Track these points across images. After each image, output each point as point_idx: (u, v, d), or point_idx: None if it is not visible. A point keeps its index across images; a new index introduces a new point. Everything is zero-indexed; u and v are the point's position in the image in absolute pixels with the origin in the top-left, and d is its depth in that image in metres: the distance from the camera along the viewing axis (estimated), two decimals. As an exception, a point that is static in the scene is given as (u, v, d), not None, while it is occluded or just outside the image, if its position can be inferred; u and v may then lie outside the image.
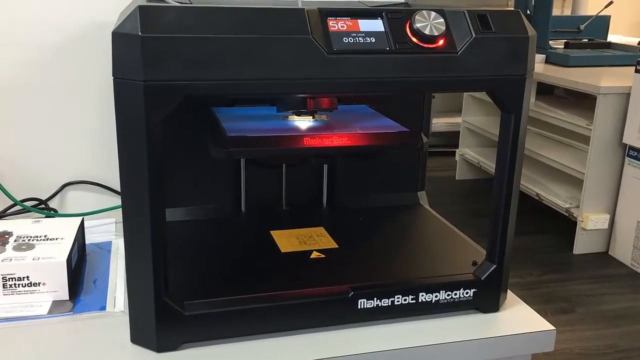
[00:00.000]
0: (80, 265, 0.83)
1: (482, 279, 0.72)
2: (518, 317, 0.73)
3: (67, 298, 0.74)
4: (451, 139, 3.70)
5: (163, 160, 0.61)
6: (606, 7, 3.28)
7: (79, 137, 1.00)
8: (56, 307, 0.73)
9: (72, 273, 0.76)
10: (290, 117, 0.77)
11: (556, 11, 4.03)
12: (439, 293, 0.71)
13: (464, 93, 3.37)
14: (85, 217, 0.92)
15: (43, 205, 0.98)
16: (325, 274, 0.74)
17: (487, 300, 0.73)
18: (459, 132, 3.49)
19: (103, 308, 0.74)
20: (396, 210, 0.93)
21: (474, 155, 3.38)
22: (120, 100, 0.59)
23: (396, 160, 0.95)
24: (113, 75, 0.58)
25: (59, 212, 0.99)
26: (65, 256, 0.74)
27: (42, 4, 0.93)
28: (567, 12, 4.28)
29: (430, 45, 0.63)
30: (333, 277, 0.72)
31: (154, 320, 0.64)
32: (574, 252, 2.58)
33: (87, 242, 0.89)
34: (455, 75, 0.65)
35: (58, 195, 1.00)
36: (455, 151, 3.53)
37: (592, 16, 3.33)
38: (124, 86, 0.58)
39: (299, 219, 0.89)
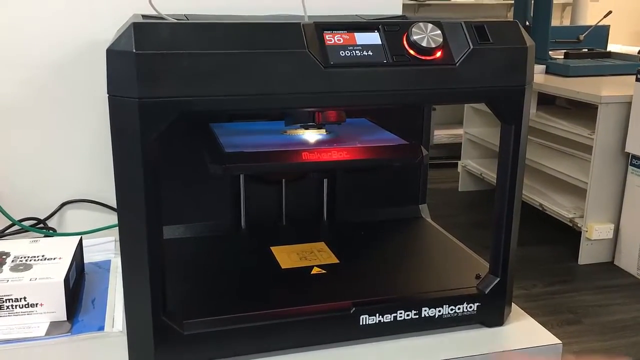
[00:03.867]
0: (79, 285, 0.82)
1: (486, 292, 0.71)
2: (523, 331, 0.72)
3: (65, 319, 0.73)
4: (453, 150, 3.69)
5: (160, 177, 0.60)
6: (605, 16, 3.29)
7: (78, 156, 0.99)
8: (54, 328, 0.72)
9: (70, 293, 0.75)
10: (288, 131, 0.77)
11: (555, 22, 4.04)
12: (442, 308, 0.69)
13: (465, 105, 3.37)
14: (84, 236, 0.91)
15: (42, 225, 0.98)
16: (326, 289, 0.73)
17: (492, 314, 0.71)
18: (461, 143, 3.48)
19: (101, 328, 0.72)
20: (398, 224, 0.92)
21: (476, 167, 3.37)
22: (115, 118, 0.58)
23: (397, 174, 0.94)
24: (108, 92, 0.58)
25: (58, 232, 0.98)
26: (63, 276, 0.73)
27: (40, 24, 0.93)
28: (566, 22, 4.29)
29: (428, 58, 0.63)
30: (334, 293, 0.71)
31: (152, 340, 0.63)
32: (578, 263, 2.56)
33: (86, 261, 0.89)
34: (454, 87, 0.64)
35: (57, 215, 1.00)
36: (457, 163, 3.52)
37: (591, 26, 3.34)
38: (119, 103, 0.57)
39: (300, 234, 0.88)
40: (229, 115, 0.84)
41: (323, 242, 0.85)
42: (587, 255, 2.56)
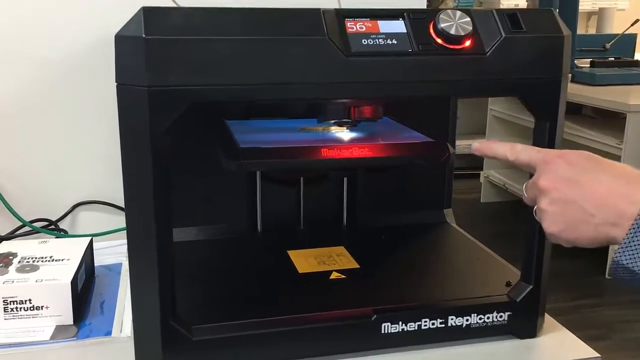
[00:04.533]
0: (88, 287, 0.79)
1: (518, 300, 0.66)
2: (558, 344, 0.67)
3: (72, 322, 0.70)
4: (475, 160, 3.62)
5: (170, 174, 0.57)
6: (632, 25, 3.21)
7: (92, 156, 0.96)
8: (59, 332, 0.68)
9: (77, 296, 0.72)
10: (307, 128, 0.73)
11: (580, 30, 3.97)
12: (471, 316, 0.65)
13: (488, 113, 3.31)
14: (96, 238, 0.88)
15: (53, 226, 0.95)
16: (346, 295, 0.68)
17: (524, 324, 0.66)
18: (483, 153, 3.41)
19: (109, 333, 0.69)
20: (421, 229, 0.88)
21: (500, 177, 3.30)
22: (124, 108, 0.55)
23: (420, 176, 0.90)
24: (116, 81, 0.55)
25: (70, 234, 0.95)
26: (70, 278, 0.70)
27: (56, 19, 0.91)
28: (592, 31, 4.21)
29: (457, 46, 0.59)
30: (354, 299, 0.67)
31: (160, 346, 0.59)
32: (606, 276, 2.47)
33: (97, 264, 0.85)
34: (484, 78, 0.60)
35: (69, 216, 0.97)
36: (479, 173, 3.45)
37: (617, 35, 3.27)
38: (127, 92, 0.54)
39: (318, 238, 0.84)
40: (244, 112, 0.81)
41: (342, 247, 0.81)
42: (615, 268, 2.48)
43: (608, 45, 3.24)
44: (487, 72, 0.59)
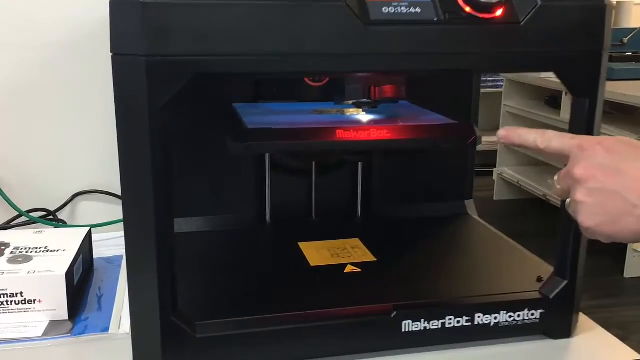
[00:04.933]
0: (85, 280, 0.74)
1: (551, 297, 0.60)
2: (595, 345, 0.61)
3: (66, 318, 0.65)
4: (488, 158, 3.55)
5: (172, 157, 0.51)
6: (651, 18, 3.13)
7: (92, 144, 0.91)
8: (53, 328, 0.64)
9: (73, 289, 0.67)
10: (320, 110, 0.68)
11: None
12: (499, 314, 0.59)
13: (502, 109, 3.24)
14: (96, 229, 0.84)
15: (51, 217, 0.90)
16: (362, 290, 0.63)
17: (557, 323, 0.61)
18: (497, 150, 3.35)
19: (106, 329, 0.64)
20: (441, 221, 0.82)
21: (513, 175, 3.23)
22: (119, 81, 0.50)
23: (440, 164, 0.84)
24: (111, 51, 0.49)
25: (69, 224, 0.90)
26: (65, 269, 0.65)
27: (47, 3, 0.86)
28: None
29: (487, 15, 0.53)
30: (372, 295, 0.61)
31: (160, 344, 0.54)
32: (624, 276, 2.41)
33: (96, 256, 0.80)
34: (517, 51, 0.54)
35: (68, 206, 0.92)
36: (492, 170, 3.38)
37: (635, 29, 3.19)
38: (124, 63, 0.49)
39: (331, 229, 0.79)
40: (253, 94, 0.75)
41: (357, 239, 0.75)
42: (634, 268, 2.41)
43: (626, 40, 3.16)
44: (521, 43, 0.54)
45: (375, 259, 0.69)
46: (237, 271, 0.68)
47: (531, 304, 0.60)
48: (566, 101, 2.87)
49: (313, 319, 0.57)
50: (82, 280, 0.72)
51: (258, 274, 0.67)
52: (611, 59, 3.08)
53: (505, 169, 3.30)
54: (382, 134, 0.58)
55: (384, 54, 0.52)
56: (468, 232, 0.80)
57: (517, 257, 0.71)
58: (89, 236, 0.77)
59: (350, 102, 0.64)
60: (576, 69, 0.55)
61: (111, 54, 0.50)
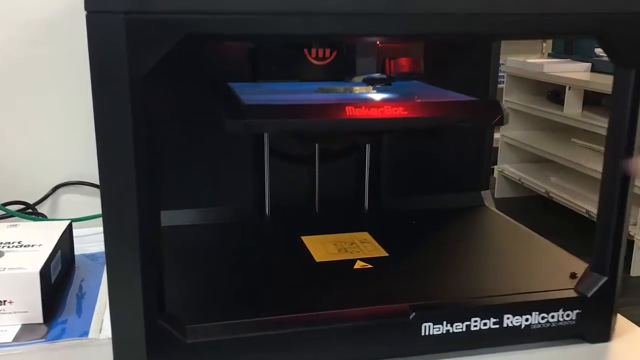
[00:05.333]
0: (64, 279, 0.67)
1: (589, 296, 0.53)
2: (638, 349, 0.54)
3: (41, 321, 0.57)
4: (488, 155, 3.49)
5: (158, 138, 0.44)
6: (655, 11, 3.07)
7: (74, 133, 0.84)
8: (25, 332, 0.56)
9: (49, 289, 0.60)
10: (326, 88, 0.61)
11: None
12: (531, 315, 0.52)
13: (503, 105, 3.17)
14: (79, 224, 0.76)
15: (30, 210, 0.83)
16: (374, 289, 0.56)
17: (596, 325, 0.54)
18: (497, 147, 3.29)
19: (85, 334, 0.57)
20: (456, 213, 0.75)
21: (514, 172, 3.17)
22: (95, 44, 0.42)
23: (455, 151, 0.77)
24: (85, 9, 0.42)
25: (49, 218, 0.83)
26: (40, 266, 0.58)
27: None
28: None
29: (522, -28, 0.46)
30: (386, 294, 0.54)
31: (145, 350, 0.47)
32: (631, 274, 2.35)
33: (78, 252, 0.73)
34: (553, 12, 0.47)
35: (49, 199, 0.85)
36: (493, 168, 3.32)
37: (639, 22, 3.13)
38: (100, 23, 0.42)
39: (336, 222, 0.72)
40: (252, 72, 0.68)
41: (366, 233, 0.68)
42: (640, 266, 2.35)
43: None
44: (557, 3, 0.47)
45: (387, 254, 0.62)
46: (234, 269, 0.61)
47: (566, 304, 0.53)
48: (570, 96, 2.81)
49: (320, 321, 0.50)
50: (60, 279, 0.65)
51: (257, 271, 0.60)
52: None
53: (506, 166, 3.24)
54: (398, 111, 0.51)
55: (409, 14, 0.44)
56: (488, 225, 0.73)
57: (545, 251, 0.64)
58: (69, 230, 0.70)
59: (361, 79, 0.57)
60: (621, 33, 0.48)
61: (85, 12, 0.42)
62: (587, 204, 2.63)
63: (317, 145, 0.69)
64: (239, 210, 0.73)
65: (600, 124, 2.58)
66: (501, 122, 0.54)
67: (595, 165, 2.60)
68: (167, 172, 0.69)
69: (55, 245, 0.63)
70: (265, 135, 0.69)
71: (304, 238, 0.66)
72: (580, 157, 2.74)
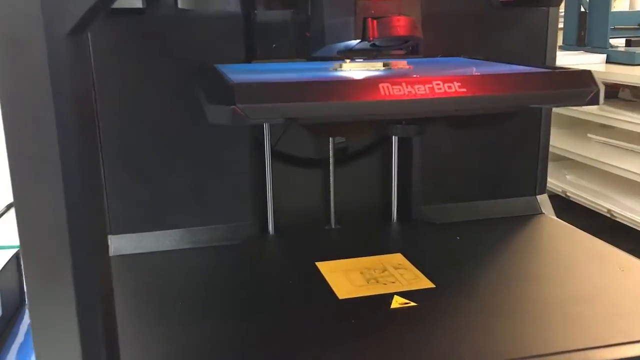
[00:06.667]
0: (7, 325, 0.51)
1: None
2: None
3: (-35, 393, 0.42)
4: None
5: (95, 126, 0.31)
6: (671, -2, 2.92)
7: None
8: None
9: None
10: (344, 65, 0.45)
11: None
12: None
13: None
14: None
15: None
16: (423, 338, 0.40)
17: None
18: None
19: (25, 410, 0.41)
20: (510, 224, 0.60)
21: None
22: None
23: (503, 147, 0.62)
24: None
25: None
26: (-38, 318, 0.42)
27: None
28: (624, 7, 3.92)
29: None
30: (444, 347, 0.38)
31: None
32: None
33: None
34: None
35: None
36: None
37: (655, 10, 2.98)
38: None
39: (359, 241, 0.56)
40: (245, 54, 0.53)
41: (399, 254, 0.53)
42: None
43: (644, 23, 2.96)
44: None
45: (433, 285, 0.47)
46: (231, 311, 0.45)
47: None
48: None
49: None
50: (1, 327, 0.49)
51: (262, 313, 0.44)
52: (629, 44, 2.87)
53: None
54: (457, 88, 0.36)
55: None
56: (557, 241, 0.57)
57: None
58: (16, 262, 0.54)
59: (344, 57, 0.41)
60: None
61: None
62: (609, 203, 2.47)
63: (331, 142, 0.53)
64: (234, 229, 0.57)
65: (619, 116, 2.42)
66: (596, 101, 0.38)
67: (615, 161, 2.44)
68: (138, 181, 0.54)
69: (-8, 285, 0.48)
70: (266, 129, 0.54)
71: (319, 265, 0.51)
72: (599, 152, 2.58)
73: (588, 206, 2.74)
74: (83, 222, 0.29)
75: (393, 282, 0.47)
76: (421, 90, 0.36)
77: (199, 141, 0.55)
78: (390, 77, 0.39)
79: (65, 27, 0.26)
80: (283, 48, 0.54)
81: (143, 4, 0.51)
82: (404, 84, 0.37)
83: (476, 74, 0.39)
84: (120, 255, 0.54)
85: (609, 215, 2.63)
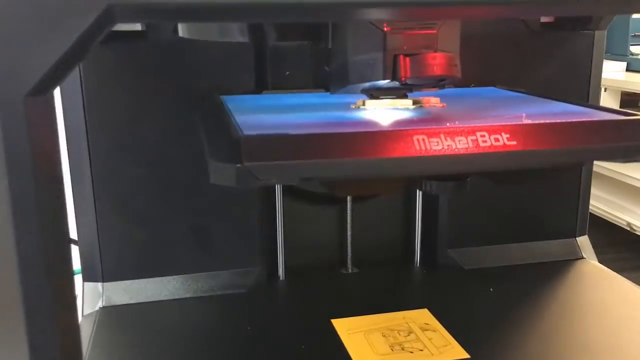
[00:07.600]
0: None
1: None
2: None
3: None
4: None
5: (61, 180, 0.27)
6: (693, 4, 2.84)
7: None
8: None
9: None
10: (367, 102, 0.39)
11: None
12: None
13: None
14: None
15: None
16: None
17: None
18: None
19: None
20: (546, 271, 0.53)
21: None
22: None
23: (540, 185, 0.56)
24: None
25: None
26: None
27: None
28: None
29: None
30: None
31: None
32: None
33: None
34: None
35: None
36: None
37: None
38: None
39: (378, 290, 0.50)
40: (254, 85, 0.47)
41: (426, 309, 0.47)
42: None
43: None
44: None
45: (468, 355, 0.40)
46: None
47: None
48: (606, 98, 2.58)
49: None
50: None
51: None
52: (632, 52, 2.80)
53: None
54: (506, 140, 0.30)
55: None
56: (601, 290, 0.50)
57: None
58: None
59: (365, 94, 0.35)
60: None
61: None
62: (628, 215, 2.40)
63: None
64: (240, 275, 0.51)
65: None
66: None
67: (634, 172, 2.37)
68: (134, 223, 0.49)
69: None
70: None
71: (335, 323, 0.45)
72: (618, 164, 2.51)
73: (607, 219, 2.66)
74: (40, 289, 0.24)
75: (421, 350, 0.41)
76: (463, 144, 0.31)
77: (200, 176, 0.49)
78: (425, 124, 0.33)
79: (23, 88, 0.20)
80: (297, 76, 0.48)
81: (142, 28, 0.45)
82: (442, 136, 0.31)
83: (526, 121, 0.33)
84: (113, 305, 0.48)
85: (628, 229, 2.56)
